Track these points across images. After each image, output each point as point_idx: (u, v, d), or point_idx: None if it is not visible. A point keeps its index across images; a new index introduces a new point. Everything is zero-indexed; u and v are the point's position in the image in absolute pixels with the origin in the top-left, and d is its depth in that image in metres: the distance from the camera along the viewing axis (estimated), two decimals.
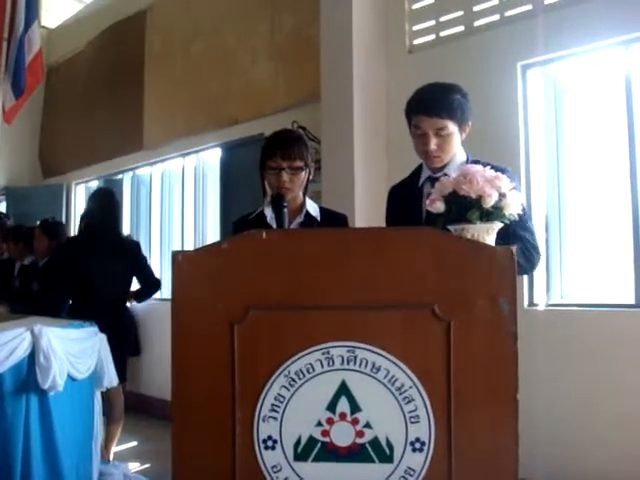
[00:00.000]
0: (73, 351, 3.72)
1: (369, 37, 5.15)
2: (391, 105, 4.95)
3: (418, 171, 2.90)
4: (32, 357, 3.46)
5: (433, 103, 2.71)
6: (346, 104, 5.02)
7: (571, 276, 4.40)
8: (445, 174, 2.73)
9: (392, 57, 5.18)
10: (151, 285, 5.49)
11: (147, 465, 5.34)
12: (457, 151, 2.78)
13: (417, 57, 5.06)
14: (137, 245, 5.52)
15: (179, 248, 7.67)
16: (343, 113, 5.04)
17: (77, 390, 3.83)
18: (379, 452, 1.93)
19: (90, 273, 5.07)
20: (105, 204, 5.39)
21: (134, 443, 5.98)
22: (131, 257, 5.29)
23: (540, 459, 3.81)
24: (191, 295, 1.98)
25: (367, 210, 4.48)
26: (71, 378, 3.68)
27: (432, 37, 5.07)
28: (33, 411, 3.49)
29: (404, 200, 2.91)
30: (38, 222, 6.94)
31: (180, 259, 1.98)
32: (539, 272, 4.32)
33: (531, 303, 4.23)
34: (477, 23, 4.80)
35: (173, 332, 1.98)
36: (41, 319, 4.00)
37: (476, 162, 2.61)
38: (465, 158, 2.78)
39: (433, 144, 2.70)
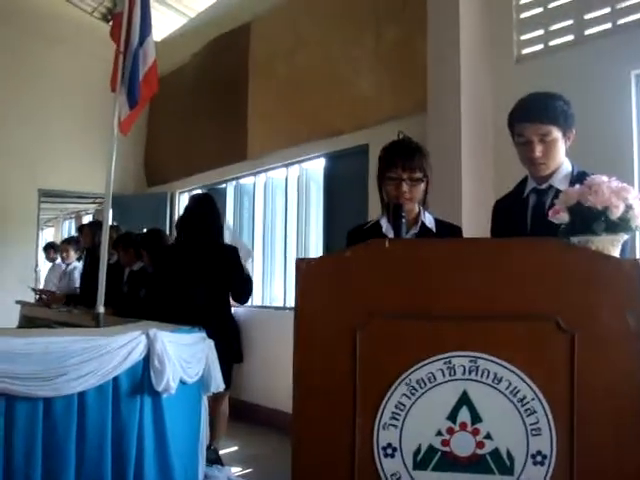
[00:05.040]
0: (184, 355, 3.80)
1: (476, 47, 5.11)
2: (499, 116, 4.86)
3: (523, 183, 2.88)
4: (147, 360, 3.55)
5: (535, 109, 2.69)
6: (453, 115, 4.99)
7: None
8: (550, 185, 2.71)
9: (500, 67, 5.12)
10: (237, 292, 5.44)
11: (249, 470, 5.41)
12: (562, 161, 2.75)
13: (525, 67, 4.99)
14: (231, 251, 5.44)
15: (281, 258, 7.77)
16: (450, 124, 5.01)
17: (187, 394, 3.91)
18: (499, 464, 1.92)
19: (180, 282, 5.18)
20: (198, 210, 5.47)
21: (235, 448, 6.06)
22: (224, 264, 5.28)
23: None
24: (314, 302, 2.01)
25: (474, 222, 4.44)
26: (182, 382, 3.76)
27: (541, 46, 4.98)
28: (147, 412, 3.58)
29: (509, 213, 2.89)
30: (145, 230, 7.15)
31: (304, 266, 2.01)
32: None
33: None
34: (588, 32, 4.69)
35: (295, 338, 2.01)
36: (154, 323, 4.10)
37: (583, 173, 2.57)
38: (571, 169, 2.75)
39: (538, 151, 2.67)
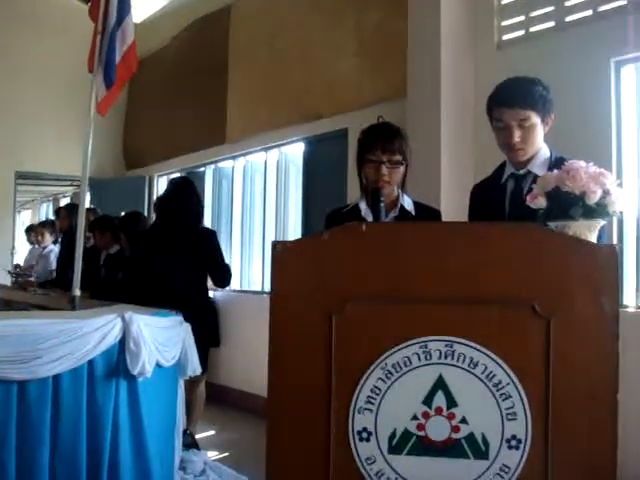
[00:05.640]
0: (160, 339, 3.77)
1: (457, 32, 5.10)
2: (479, 102, 4.85)
3: (501, 169, 2.87)
4: (122, 343, 3.52)
5: (515, 94, 2.68)
6: (433, 100, 4.98)
7: None
8: (529, 171, 2.71)
9: (480, 53, 5.11)
10: (215, 277, 5.43)
11: (226, 454, 5.41)
12: (541, 146, 2.74)
13: (506, 53, 4.98)
14: (210, 235, 5.45)
15: (260, 242, 7.75)
16: (430, 110, 5.00)
17: (163, 377, 3.88)
18: (474, 448, 1.92)
19: (158, 265, 5.15)
20: (177, 194, 5.44)
21: (212, 432, 6.06)
22: (202, 248, 5.27)
23: (631, 466, 3.70)
24: (290, 285, 2.00)
25: (453, 206, 4.43)
26: (158, 365, 3.73)
27: (522, 33, 4.98)
28: (122, 395, 3.55)
29: (487, 198, 2.89)
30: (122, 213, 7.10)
31: (279, 249, 2.00)
32: (629, 273, 4.23)
33: (620, 304, 4.13)
34: (569, 18, 4.69)
35: (271, 321, 2.00)
36: (130, 306, 4.07)
37: (561, 159, 2.56)
38: (549, 154, 2.74)
39: (517, 136, 2.66)
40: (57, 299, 5.68)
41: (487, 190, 2.92)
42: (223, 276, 5.40)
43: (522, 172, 2.74)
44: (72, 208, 7.77)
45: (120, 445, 3.56)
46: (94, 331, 3.43)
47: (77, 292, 4.19)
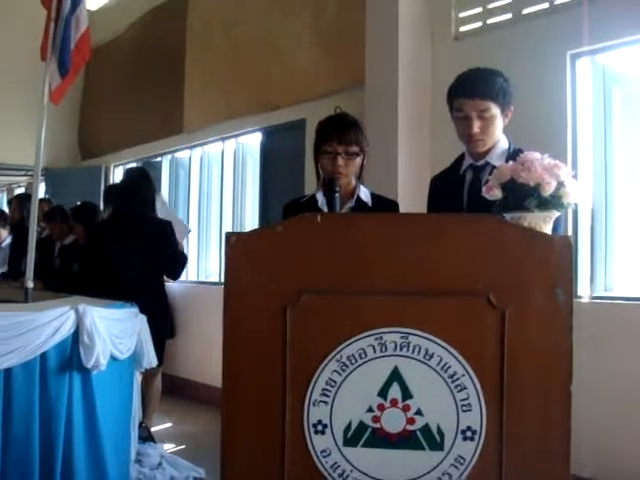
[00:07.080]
0: (115, 331, 3.73)
1: (415, 23, 5.11)
2: (436, 92, 4.89)
3: (460, 160, 2.87)
4: (76, 336, 3.46)
5: (476, 85, 2.68)
6: (391, 90, 4.99)
7: (616, 268, 4.33)
8: (487, 162, 2.71)
9: (438, 44, 5.13)
10: (169, 268, 5.41)
11: (182, 446, 5.38)
12: (500, 138, 2.75)
13: (463, 44, 4.99)
14: (166, 226, 5.36)
15: (217, 233, 7.70)
16: (387, 99, 5.01)
17: (118, 370, 3.84)
18: (429, 439, 1.92)
19: (113, 256, 5.09)
20: (134, 184, 5.39)
21: (168, 424, 6.01)
22: (159, 239, 5.22)
23: (584, 456, 3.75)
24: (244, 277, 1.97)
25: (410, 198, 4.44)
26: (112, 358, 3.68)
27: (479, 24, 4.99)
28: (76, 389, 3.49)
29: (446, 189, 2.89)
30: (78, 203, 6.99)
31: (234, 241, 1.97)
32: (584, 264, 4.27)
33: (575, 295, 4.17)
34: (525, 11, 4.71)
35: (225, 314, 1.97)
36: (84, 298, 4.01)
37: (519, 151, 2.57)
38: (507, 146, 2.75)
39: (476, 127, 2.66)
40: (9, 291, 5.59)
41: (446, 181, 2.92)
42: (177, 268, 5.37)
43: (480, 163, 2.74)
44: (24, 198, 7.65)
45: (74, 439, 3.50)
46: (47, 324, 3.37)
47: (30, 284, 4.11)
